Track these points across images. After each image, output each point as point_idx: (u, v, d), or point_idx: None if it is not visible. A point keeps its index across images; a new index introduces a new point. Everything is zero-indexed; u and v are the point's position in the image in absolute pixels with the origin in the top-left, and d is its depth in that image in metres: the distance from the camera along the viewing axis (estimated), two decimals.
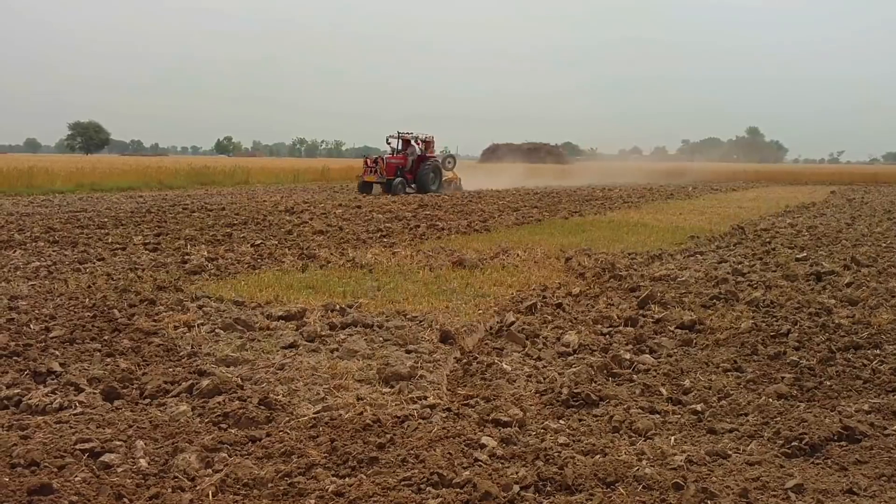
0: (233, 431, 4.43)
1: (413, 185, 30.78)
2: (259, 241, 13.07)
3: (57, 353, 5.93)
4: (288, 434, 4.38)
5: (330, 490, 3.65)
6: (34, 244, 12.31)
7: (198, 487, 3.71)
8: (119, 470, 3.89)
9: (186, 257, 11.02)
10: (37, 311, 7.26)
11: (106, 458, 4.00)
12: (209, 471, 3.89)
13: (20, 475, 3.76)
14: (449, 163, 33.44)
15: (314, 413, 4.70)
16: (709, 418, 4.80)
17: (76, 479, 3.76)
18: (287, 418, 4.65)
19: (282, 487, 3.70)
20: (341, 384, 5.30)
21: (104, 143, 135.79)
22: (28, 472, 3.82)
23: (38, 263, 10.25)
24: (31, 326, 6.67)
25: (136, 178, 33.36)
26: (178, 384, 5.19)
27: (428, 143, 32.07)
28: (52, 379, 5.34)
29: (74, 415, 4.70)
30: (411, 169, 31.07)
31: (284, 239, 13.66)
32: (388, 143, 32.08)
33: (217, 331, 6.71)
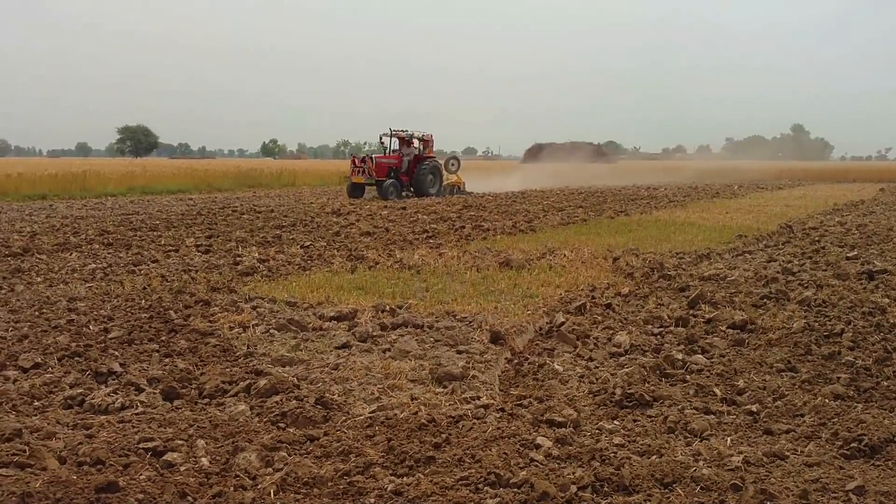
0: (291, 431, 4.50)
1: (410, 189, 28.26)
2: (308, 243, 13.24)
3: (116, 353, 6.07)
4: (345, 433, 4.43)
5: (389, 489, 3.70)
6: (89, 246, 12.63)
7: (259, 486, 3.77)
8: (182, 469, 3.96)
9: (238, 259, 11.22)
10: (95, 313, 7.45)
11: (168, 456, 4.07)
12: (269, 469, 3.95)
13: (87, 473, 3.85)
14: (452, 165, 31.14)
15: (370, 412, 4.76)
16: (764, 419, 4.76)
17: (141, 477, 3.84)
18: (343, 418, 4.71)
19: (341, 486, 3.75)
20: (395, 384, 5.36)
21: (153, 146, 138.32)
22: (94, 470, 3.91)
23: (95, 265, 10.52)
24: (91, 327, 6.85)
25: (186, 181, 33.91)
26: (236, 384, 5.29)
27: (426, 143, 29.25)
28: (113, 379, 5.48)
29: (136, 414, 4.80)
30: (407, 170, 28.32)
31: (333, 240, 13.82)
32: (382, 143, 29.00)
33: (272, 331, 6.82)
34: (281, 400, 4.97)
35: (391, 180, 27.11)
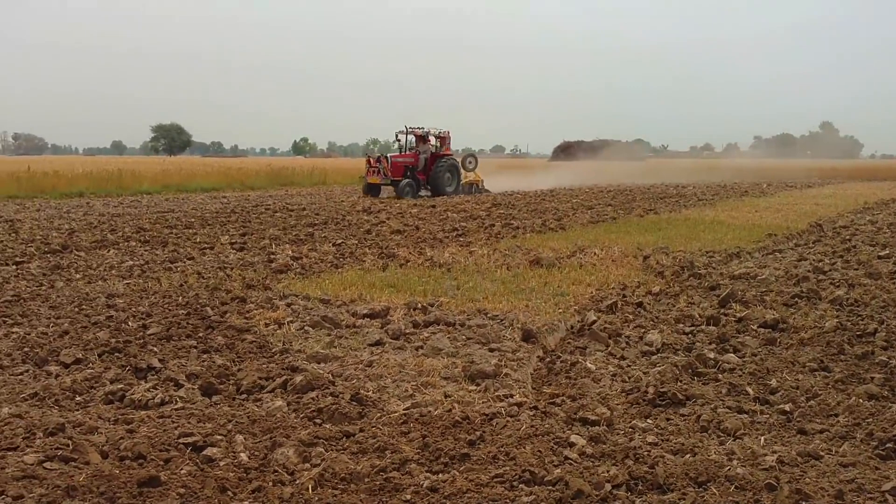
0: (327, 427, 4.56)
1: (427, 188, 27.65)
2: (340, 241, 13.37)
3: (155, 349, 6.19)
4: (380, 430, 4.49)
5: (425, 486, 3.75)
6: (126, 244, 12.86)
7: (297, 481, 3.83)
8: (221, 463, 4.02)
9: (272, 256, 11.35)
10: (134, 309, 7.60)
11: (208, 451, 4.14)
12: (307, 465, 4.01)
13: (129, 467, 3.93)
14: (470, 162, 30.23)
15: (404, 409, 4.81)
16: (798, 419, 4.75)
17: (182, 472, 3.92)
18: (378, 414, 4.77)
19: (378, 482, 3.80)
20: (428, 381, 5.42)
21: (186, 144, 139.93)
22: (136, 464, 3.99)
23: (132, 262, 10.71)
24: (130, 324, 7.00)
25: (219, 180, 34.29)
26: (273, 380, 5.38)
27: (443, 140, 28.56)
28: (153, 375, 5.58)
29: (175, 409, 4.87)
30: (424, 169, 27.67)
31: (364, 238, 13.93)
32: (397, 140, 28.40)
33: (306, 328, 6.91)
34: (317, 396, 5.05)
35: (407, 180, 26.60)
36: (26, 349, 6.15)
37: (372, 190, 27.06)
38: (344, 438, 4.40)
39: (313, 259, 11.18)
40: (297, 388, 5.18)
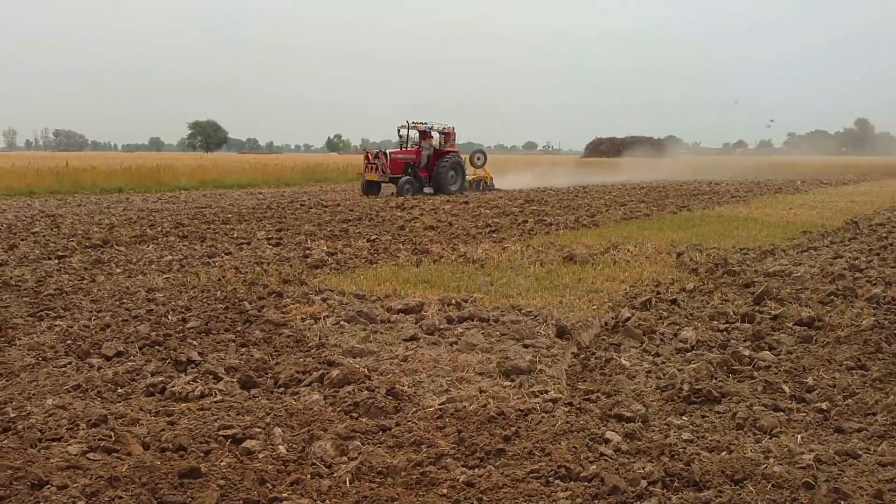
0: (364, 420, 4.62)
1: (430, 185, 26.32)
2: (374, 237, 13.45)
3: (195, 343, 6.30)
4: (416, 424, 4.53)
5: (461, 480, 3.78)
6: (165, 239, 13.07)
7: (335, 474, 3.88)
8: (260, 456, 4.09)
9: (307, 252, 11.47)
10: (173, 303, 7.73)
11: (247, 444, 4.20)
12: (344, 458, 4.07)
13: (170, 459, 4.01)
14: (478, 158, 29.04)
15: (439, 404, 4.85)
16: (835, 417, 4.71)
17: (222, 463, 3.98)
18: (414, 409, 4.82)
19: (414, 476, 3.84)
20: (463, 377, 5.45)
21: (222, 141, 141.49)
22: (177, 456, 4.07)
23: (171, 257, 10.89)
24: (169, 317, 7.13)
25: (255, 176, 34.72)
26: (310, 374, 5.44)
27: (447, 135, 27.14)
28: (192, 368, 5.68)
29: (215, 402, 4.96)
30: (426, 166, 26.42)
31: (397, 234, 14.00)
32: (399, 136, 27.08)
33: (342, 323, 6.98)
34: (353, 390, 5.11)
35: (407, 177, 25.40)
36: (69, 342, 6.30)
37: (371, 188, 25.89)
38: (380, 432, 4.45)
39: (348, 254, 11.27)
40: (333, 382, 5.24)
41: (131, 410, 4.75)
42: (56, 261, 10.60)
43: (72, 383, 5.24)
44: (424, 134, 26.90)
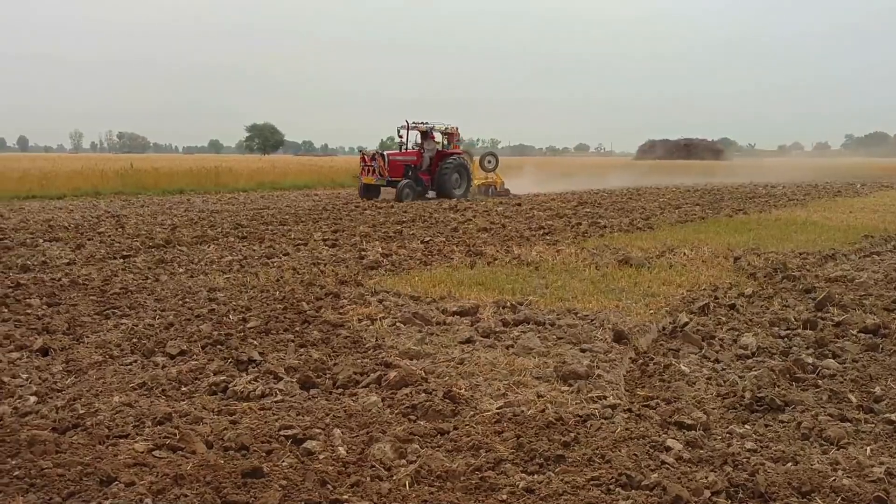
0: (422, 423, 4.61)
1: (433, 189, 24.78)
2: (428, 238, 13.51)
3: (255, 342, 6.38)
4: (474, 428, 4.51)
5: (521, 486, 3.74)
6: (225, 239, 13.32)
7: (394, 477, 3.88)
8: (320, 457, 4.10)
9: (363, 253, 11.57)
10: (234, 303, 7.86)
11: (308, 444, 4.23)
12: (403, 461, 4.07)
13: (233, 458, 4.06)
14: (489, 162, 27.41)
15: (497, 409, 4.82)
16: None
17: (283, 464, 4.01)
18: (471, 412, 4.79)
19: (473, 481, 3.82)
20: (520, 381, 5.41)
21: (279, 143, 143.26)
22: (240, 455, 4.11)
23: (231, 258, 11.09)
24: (230, 317, 7.25)
25: (311, 178, 35.13)
26: (367, 375, 5.47)
27: (451, 137, 25.61)
28: (253, 367, 5.74)
29: (276, 402, 5.00)
30: (429, 168, 24.86)
31: (451, 236, 14.03)
32: (399, 137, 25.61)
33: (398, 324, 7.01)
34: (410, 392, 5.11)
35: (407, 181, 23.80)
36: (134, 340, 6.44)
37: (369, 191, 24.48)
38: (438, 436, 4.43)
39: (402, 256, 11.33)
40: (391, 384, 5.26)
41: (195, 409, 4.82)
42: (121, 260, 10.88)
43: (137, 381, 5.35)
44: (426, 134, 25.40)
